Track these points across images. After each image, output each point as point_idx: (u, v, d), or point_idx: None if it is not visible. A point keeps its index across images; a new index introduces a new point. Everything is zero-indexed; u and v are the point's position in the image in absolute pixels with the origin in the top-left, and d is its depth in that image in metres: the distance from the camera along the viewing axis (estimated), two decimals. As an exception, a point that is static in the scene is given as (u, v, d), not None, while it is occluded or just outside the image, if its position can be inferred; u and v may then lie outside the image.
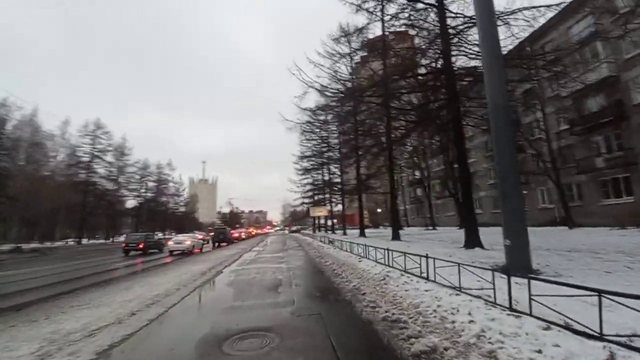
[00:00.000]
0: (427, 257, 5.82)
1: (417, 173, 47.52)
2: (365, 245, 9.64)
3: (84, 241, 46.31)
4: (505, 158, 6.57)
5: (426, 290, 4.70)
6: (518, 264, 6.09)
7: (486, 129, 24.65)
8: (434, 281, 5.29)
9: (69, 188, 40.21)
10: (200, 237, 31.16)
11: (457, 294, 4.25)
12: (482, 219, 31.65)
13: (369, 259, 8.84)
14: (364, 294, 5.49)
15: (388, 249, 7.77)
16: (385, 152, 19.67)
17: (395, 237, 18.22)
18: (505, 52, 11.13)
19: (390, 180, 18.83)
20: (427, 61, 13.79)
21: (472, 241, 10.81)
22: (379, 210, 63.16)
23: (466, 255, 9.30)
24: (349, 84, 22.55)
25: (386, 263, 7.60)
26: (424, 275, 5.77)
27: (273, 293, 6.19)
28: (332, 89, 15.28)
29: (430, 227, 32.32)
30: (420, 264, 6.06)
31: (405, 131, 16.44)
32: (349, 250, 11.62)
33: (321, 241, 20.91)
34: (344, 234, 32.17)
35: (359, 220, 26.56)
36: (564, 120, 22.77)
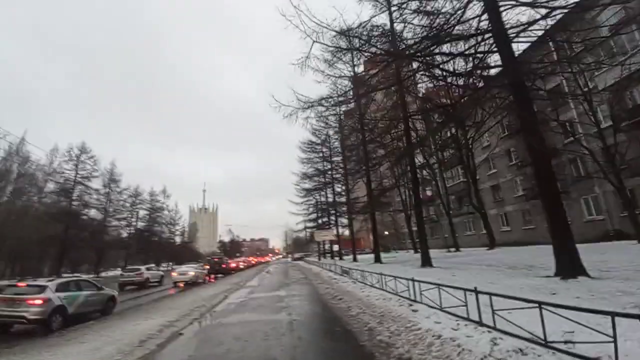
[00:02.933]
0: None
1: (428, 190, 43.96)
2: (413, 280, 5.93)
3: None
4: None
5: None
6: None
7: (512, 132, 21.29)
8: None
9: (49, 219, 36.53)
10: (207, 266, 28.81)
11: None
12: (511, 237, 27.66)
13: (430, 306, 5.11)
14: None
15: (477, 291, 4.08)
16: (404, 159, 16.28)
17: (426, 262, 14.39)
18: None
19: (414, 190, 15.21)
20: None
21: (571, 266, 7.05)
22: (386, 232, 58.80)
23: (585, 293, 5.57)
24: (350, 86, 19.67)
25: (481, 321, 3.90)
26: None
27: None
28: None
29: (452, 249, 28.23)
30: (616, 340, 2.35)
31: (437, 124, 13.08)
32: (380, 286, 7.84)
33: (331, 271, 16.96)
34: (354, 260, 28.06)
35: (374, 243, 22.68)
36: (604, 116, 19.52)
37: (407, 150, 14.49)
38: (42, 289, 7.80)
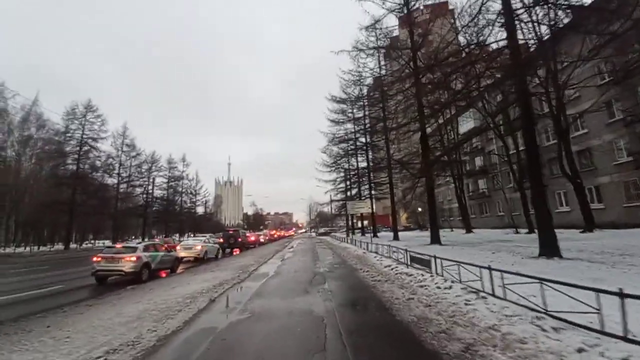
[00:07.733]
0: None
1: (479, 160, 37.26)
2: None
3: (87, 245, 40.36)
4: None
5: None
6: None
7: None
8: None
9: (57, 182, 33.79)
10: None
11: None
12: (607, 216, 21.10)
13: None
14: None
15: None
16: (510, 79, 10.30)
17: (550, 250, 8.78)
18: None
19: (527, 134, 9.37)
20: None
21: None
22: (419, 209, 52.39)
23: None
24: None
25: None
26: None
27: None
28: None
29: (512, 230, 22.49)
30: None
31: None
32: (580, 321, 2.57)
33: (380, 254, 11.83)
34: (395, 238, 22.85)
35: (430, 218, 17.21)
36: None
37: (518, 69, 8.59)
38: (134, 249, 10.09)
